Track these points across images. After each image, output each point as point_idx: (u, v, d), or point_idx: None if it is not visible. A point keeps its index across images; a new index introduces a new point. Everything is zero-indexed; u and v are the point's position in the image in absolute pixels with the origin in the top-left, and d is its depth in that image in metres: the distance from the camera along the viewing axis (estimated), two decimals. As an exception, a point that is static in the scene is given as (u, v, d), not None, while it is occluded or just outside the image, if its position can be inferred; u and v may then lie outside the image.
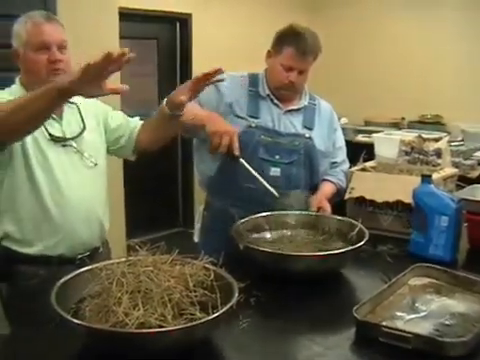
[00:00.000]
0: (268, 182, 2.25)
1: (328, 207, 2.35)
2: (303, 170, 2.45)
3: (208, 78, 1.94)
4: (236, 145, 2.17)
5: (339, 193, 2.54)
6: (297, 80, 2.41)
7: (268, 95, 2.48)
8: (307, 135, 2.47)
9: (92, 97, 1.72)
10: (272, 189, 2.22)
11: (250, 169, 2.22)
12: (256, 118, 2.43)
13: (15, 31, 2.03)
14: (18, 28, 2.02)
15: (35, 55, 1.98)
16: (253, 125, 2.41)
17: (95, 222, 2.16)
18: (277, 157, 2.41)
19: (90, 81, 1.57)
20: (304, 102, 2.55)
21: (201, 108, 2.38)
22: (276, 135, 2.43)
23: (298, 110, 2.52)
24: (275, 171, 2.40)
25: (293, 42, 2.36)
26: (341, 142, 2.67)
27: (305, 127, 2.49)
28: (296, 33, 2.38)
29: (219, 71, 1.90)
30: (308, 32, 2.39)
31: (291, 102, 2.52)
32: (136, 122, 2.30)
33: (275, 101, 2.48)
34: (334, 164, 2.62)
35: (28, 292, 1.92)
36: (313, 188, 2.48)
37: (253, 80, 2.52)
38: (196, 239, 2.59)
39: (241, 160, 2.21)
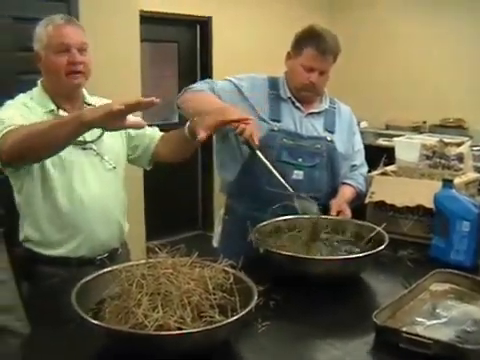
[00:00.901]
0: (290, 186, 2.23)
1: (348, 211, 2.33)
2: (325, 173, 2.44)
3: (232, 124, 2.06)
4: (257, 136, 2.13)
5: (359, 197, 2.53)
6: (318, 81, 2.41)
7: (289, 98, 2.48)
8: (329, 138, 2.47)
9: (113, 130, 1.75)
10: (287, 184, 2.18)
11: (266, 162, 2.17)
12: (278, 121, 2.42)
13: (36, 34, 2.05)
14: (39, 31, 2.05)
15: (55, 57, 2.00)
16: (276, 128, 2.41)
17: (114, 223, 2.18)
18: (300, 160, 2.41)
19: (114, 120, 1.62)
20: (325, 105, 2.54)
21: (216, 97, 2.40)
22: (298, 138, 2.42)
23: (319, 113, 2.52)
24: (298, 174, 2.39)
25: (313, 43, 2.36)
26: (359, 145, 2.66)
27: (326, 130, 2.49)
28: (316, 34, 2.38)
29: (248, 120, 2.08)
30: (327, 33, 2.39)
31: (312, 105, 2.51)
32: (155, 133, 2.32)
33: (296, 104, 2.48)
34: (353, 167, 2.61)
35: (48, 292, 1.94)
36: (334, 191, 2.47)
37: (273, 83, 2.52)
38: (215, 244, 2.59)
39: (257, 152, 2.16)
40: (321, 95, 2.55)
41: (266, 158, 2.20)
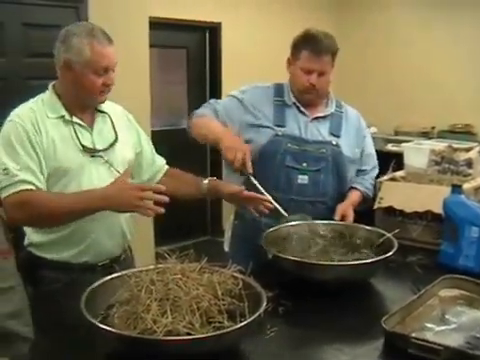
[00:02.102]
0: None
1: (351, 216, 2.33)
2: (331, 177, 2.44)
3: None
4: (249, 162, 2.20)
5: (365, 200, 2.53)
6: (318, 82, 2.42)
7: (294, 103, 2.49)
8: (334, 142, 2.47)
9: None
10: (281, 209, 2.24)
11: (259, 187, 2.24)
12: (282, 127, 2.43)
13: (74, 45, 1.99)
14: (79, 44, 1.99)
15: (94, 77, 2.00)
16: (280, 133, 2.42)
17: (118, 231, 2.16)
18: (304, 165, 2.41)
19: None
20: (331, 109, 2.54)
21: (217, 121, 2.44)
22: (303, 143, 2.43)
23: (325, 117, 2.52)
24: (303, 179, 2.40)
25: (308, 45, 2.39)
26: (370, 149, 2.66)
27: (332, 134, 2.49)
28: (310, 36, 2.41)
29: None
30: (322, 33, 2.42)
31: (317, 109, 2.52)
32: (162, 164, 2.39)
33: (301, 109, 2.48)
34: (364, 171, 2.60)
35: (52, 296, 1.94)
36: (341, 195, 2.47)
37: (278, 90, 2.53)
38: (226, 248, 2.60)
39: (251, 178, 2.23)
40: (324, 97, 2.55)
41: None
